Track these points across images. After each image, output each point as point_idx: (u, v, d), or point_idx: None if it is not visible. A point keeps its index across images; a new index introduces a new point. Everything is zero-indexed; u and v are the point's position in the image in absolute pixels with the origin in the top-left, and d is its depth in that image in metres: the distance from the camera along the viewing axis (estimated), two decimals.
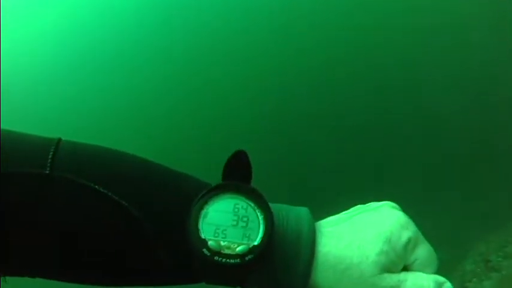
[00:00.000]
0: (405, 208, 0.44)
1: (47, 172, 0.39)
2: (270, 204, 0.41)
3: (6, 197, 0.38)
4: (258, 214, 0.40)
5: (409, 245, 0.41)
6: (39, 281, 0.42)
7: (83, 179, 0.40)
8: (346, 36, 3.21)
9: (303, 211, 0.43)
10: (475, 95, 2.79)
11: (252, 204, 0.41)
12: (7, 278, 0.42)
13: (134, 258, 0.41)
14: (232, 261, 0.39)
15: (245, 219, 0.40)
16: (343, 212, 0.45)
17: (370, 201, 0.45)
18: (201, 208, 0.40)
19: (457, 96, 2.78)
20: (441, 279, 0.42)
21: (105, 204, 0.40)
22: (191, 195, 0.41)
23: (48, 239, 0.39)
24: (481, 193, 2.51)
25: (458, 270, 2.40)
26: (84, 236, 0.40)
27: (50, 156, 0.40)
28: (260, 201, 0.41)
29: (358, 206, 0.46)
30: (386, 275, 0.40)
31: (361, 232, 0.42)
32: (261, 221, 0.40)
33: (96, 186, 0.40)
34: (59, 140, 0.42)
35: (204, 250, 0.39)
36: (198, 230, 0.39)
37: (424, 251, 0.42)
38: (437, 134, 2.83)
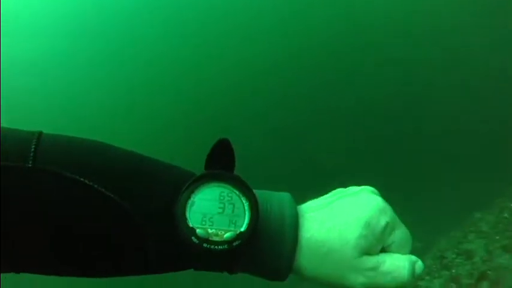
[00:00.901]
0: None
1: (30, 165, 0.38)
2: (254, 191, 0.43)
3: None
4: (243, 201, 0.42)
5: (387, 229, 0.44)
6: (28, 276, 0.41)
7: (67, 171, 0.39)
8: (345, 33, 3.24)
9: (285, 196, 0.45)
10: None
11: (237, 192, 0.42)
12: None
13: (123, 249, 0.40)
14: (220, 247, 0.40)
15: (231, 206, 0.41)
16: (324, 196, 0.47)
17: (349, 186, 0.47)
18: (188, 197, 0.41)
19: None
20: (414, 258, 0.45)
21: (91, 196, 0.39)
22: (177, 185, 0.41)
23: (33, 232, 0.38)
24: (449, 187, 2.56)
25: None
26: (71, 228, 0.39)
27: (32, 149, 0.39)
28: (244, 189, 0.42)
29: (338, 189, 0.48)
30: (365, 257, 0.43)
31: (341, 217, 0.43)
32: (246, 208, 0.41)
33: (82, 179, 0.39)
34: (40, 133, 0.41)
35: (193, 238, 0.39)
36: (185, 218, 0.40)
37: (400, 233, 0.45)
38: (408, 132, 2.88)
